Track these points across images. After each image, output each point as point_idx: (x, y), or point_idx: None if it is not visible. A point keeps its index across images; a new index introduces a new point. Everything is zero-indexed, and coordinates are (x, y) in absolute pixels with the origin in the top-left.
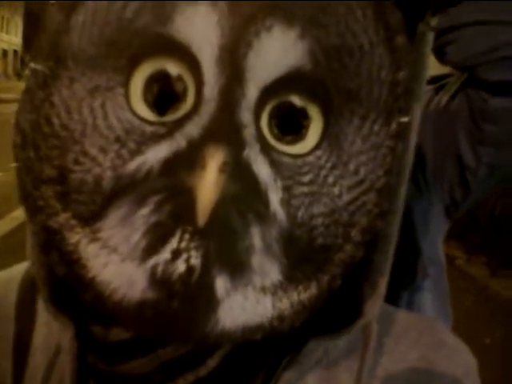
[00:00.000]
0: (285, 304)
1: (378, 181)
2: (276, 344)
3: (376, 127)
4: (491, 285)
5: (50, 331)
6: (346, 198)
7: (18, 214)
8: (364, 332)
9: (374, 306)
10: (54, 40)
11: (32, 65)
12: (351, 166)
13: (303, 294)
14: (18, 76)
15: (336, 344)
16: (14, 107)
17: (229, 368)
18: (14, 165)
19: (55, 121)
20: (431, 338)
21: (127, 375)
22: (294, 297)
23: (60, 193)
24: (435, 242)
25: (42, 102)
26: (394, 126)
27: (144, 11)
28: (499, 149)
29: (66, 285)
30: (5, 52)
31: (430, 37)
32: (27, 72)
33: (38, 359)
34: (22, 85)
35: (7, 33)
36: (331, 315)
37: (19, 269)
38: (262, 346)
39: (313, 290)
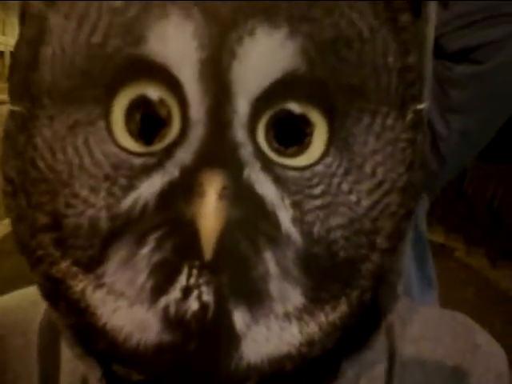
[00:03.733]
0: (313, 328)
1: (400, 179)
2: (306, 371)
3: (389, 121)
4: (491, 276)
5: (75, 366)
6: (365, 203)
7: None
8: (387, 337)
9: (393, 309)
10: (24, 78)
11: (10, 107)
12: (367, 168)
13: (332, 314)
14: None
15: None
16: None
17: None
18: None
19: (41, 164)
20: (466, 343)
21: None
22: (322, 318)
23: (57, 239)
24: (417, 218)
25: (24, 147)
26: (409, 115)
27: (113, 33)
28: (467, 114)
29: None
30: (1, 53)
31: (434, 13)
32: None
33: None
34: None
35: (4, 34)
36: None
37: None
38: (292, 376)
39: (342, 307)
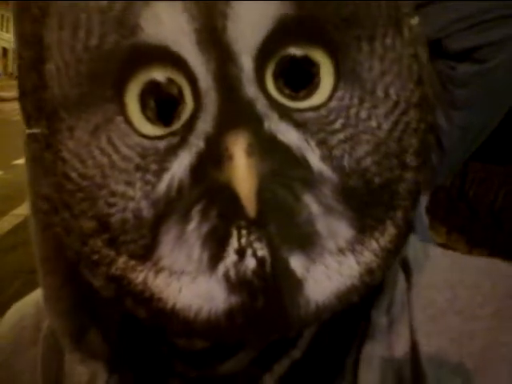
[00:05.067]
0: (368, 256)
1: (413, 95)
2: (360, 310)
3: (388, 41)
4: None
5: (81, 372)
6: (386, 126)
7: (20, 212)
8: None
9: (407, 243)
10: (36, 100)
11: (28, 131)
12: (379, 92)
13: (382, 239)
14: None
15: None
16: (14, 105)
17: (321, 345)
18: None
19: (73, 175)
20: (506, 289)
21: (222, 377)
22: (374, 245)
23: (108, 240)
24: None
25: (53, 163)
26: (406, 32)
27: (107, 31)
28: (469, 111)
29: (91, 328)
30: (5, 50)
31: None
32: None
33: None
34: None
35: (7, 31)
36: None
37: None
38: (348, 313)
39: (390, 230)
